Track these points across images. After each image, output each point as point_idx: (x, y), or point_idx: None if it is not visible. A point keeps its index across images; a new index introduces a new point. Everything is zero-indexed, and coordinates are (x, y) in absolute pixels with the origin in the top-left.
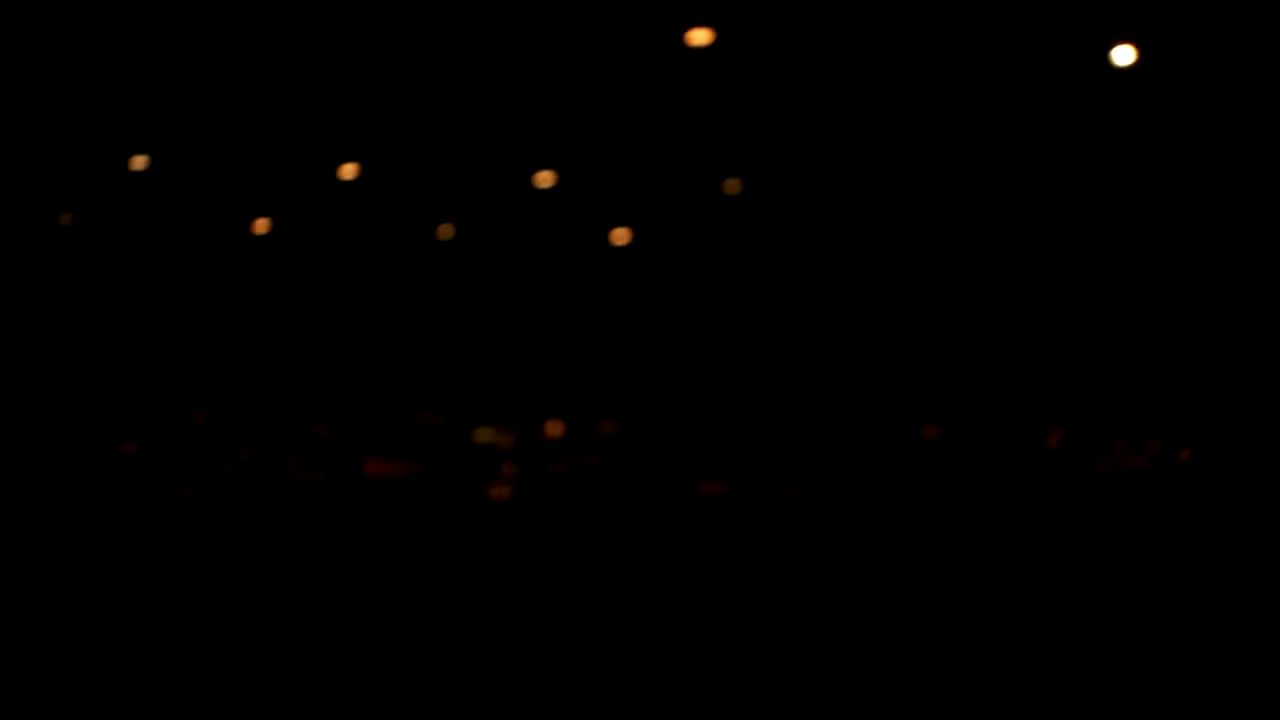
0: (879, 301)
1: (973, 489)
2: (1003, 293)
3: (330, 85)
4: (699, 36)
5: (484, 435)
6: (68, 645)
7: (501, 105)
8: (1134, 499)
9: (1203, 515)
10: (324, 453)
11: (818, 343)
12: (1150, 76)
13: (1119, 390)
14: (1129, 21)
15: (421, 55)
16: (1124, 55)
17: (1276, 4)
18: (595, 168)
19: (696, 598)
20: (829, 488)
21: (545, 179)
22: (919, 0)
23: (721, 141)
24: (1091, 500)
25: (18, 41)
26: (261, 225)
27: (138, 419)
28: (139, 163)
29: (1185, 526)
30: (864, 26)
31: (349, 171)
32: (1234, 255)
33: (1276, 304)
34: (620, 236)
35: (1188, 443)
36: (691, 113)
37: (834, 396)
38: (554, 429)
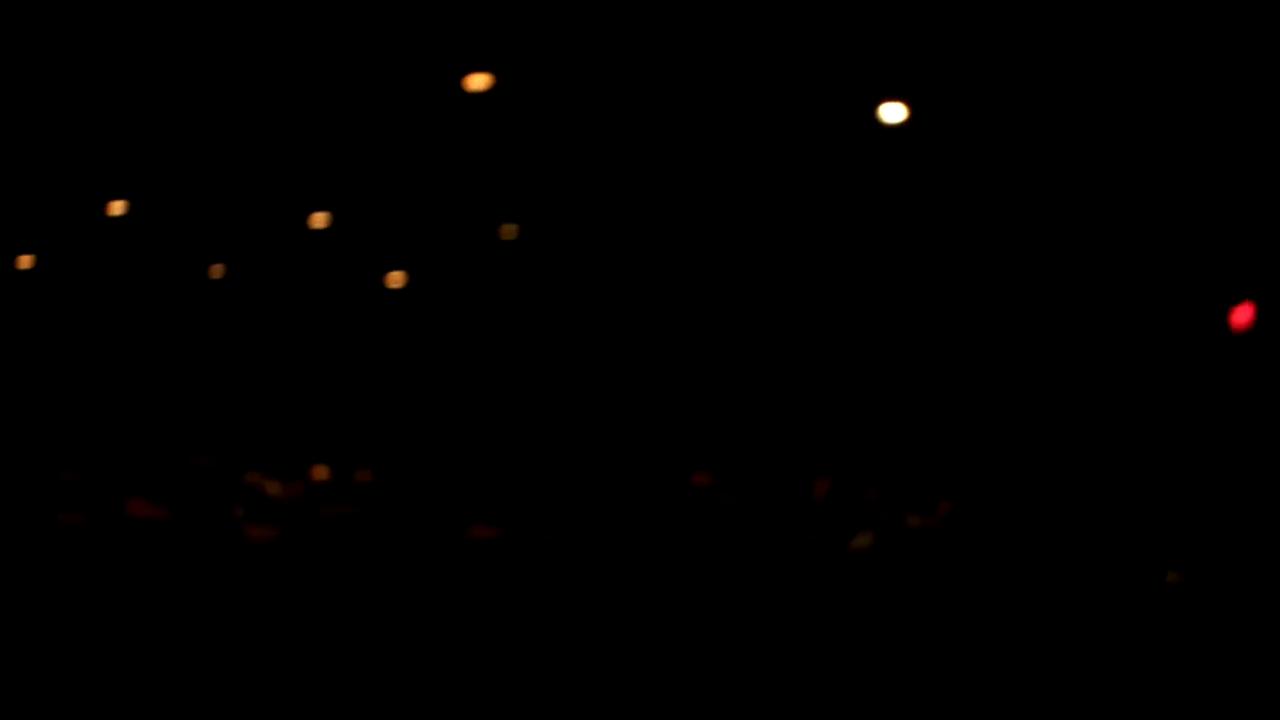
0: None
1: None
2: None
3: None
4: (477, 81)
5: (253, 478)
6: None
7: (281, 148)
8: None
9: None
10: (84, 494)
11: (591, 386)
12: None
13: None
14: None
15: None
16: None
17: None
18: (368, 210)
19: (473, 638)
20: (594, 531)
21: (319, 220)
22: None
23: (499, 185)
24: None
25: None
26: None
27: None
28: None
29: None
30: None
31: (118, 209)
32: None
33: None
34: (394, 279)
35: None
36: (469, 155)
37: (600, 439)
38: (320, 474)
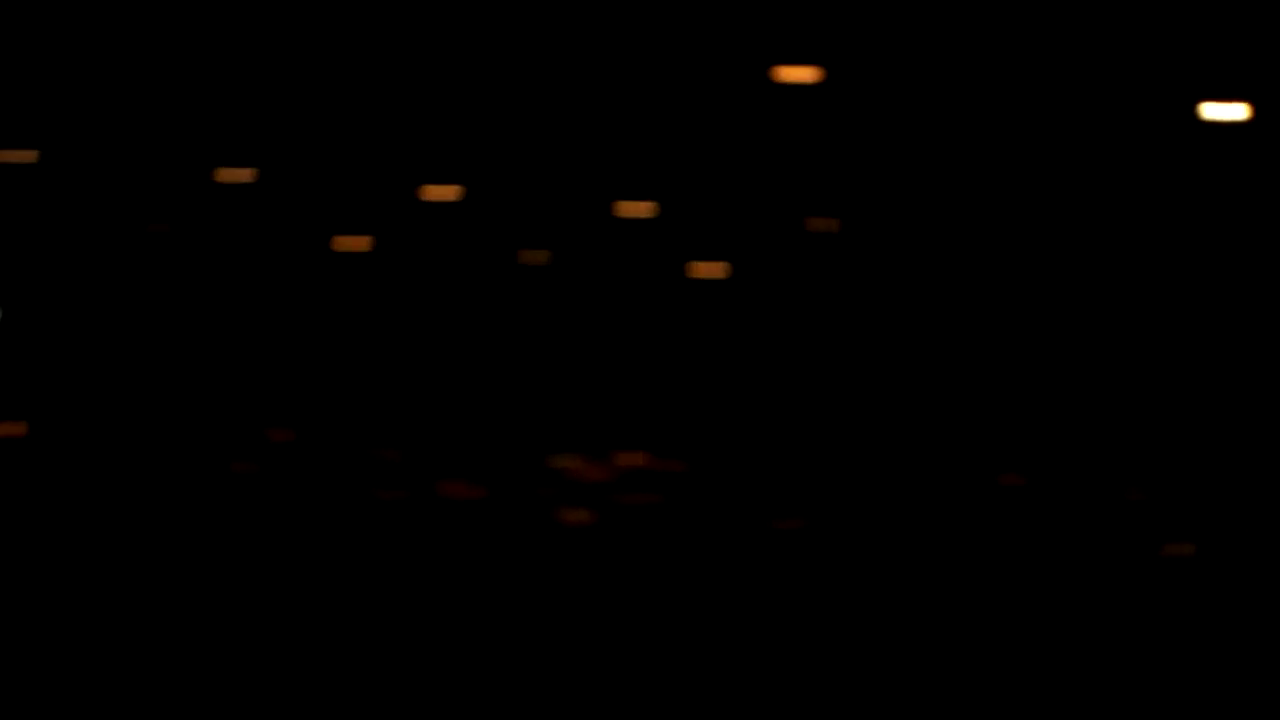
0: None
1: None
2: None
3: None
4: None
5: (564, 461)
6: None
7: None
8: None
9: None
10: (400, 473)
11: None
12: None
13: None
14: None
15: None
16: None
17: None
18: (685, 202)
19: (768, 633)
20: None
21: (641, 209)
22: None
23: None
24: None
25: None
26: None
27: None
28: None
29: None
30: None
31: (445, 194)
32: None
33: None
34: (707, 270)
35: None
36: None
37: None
38: (631, 460)
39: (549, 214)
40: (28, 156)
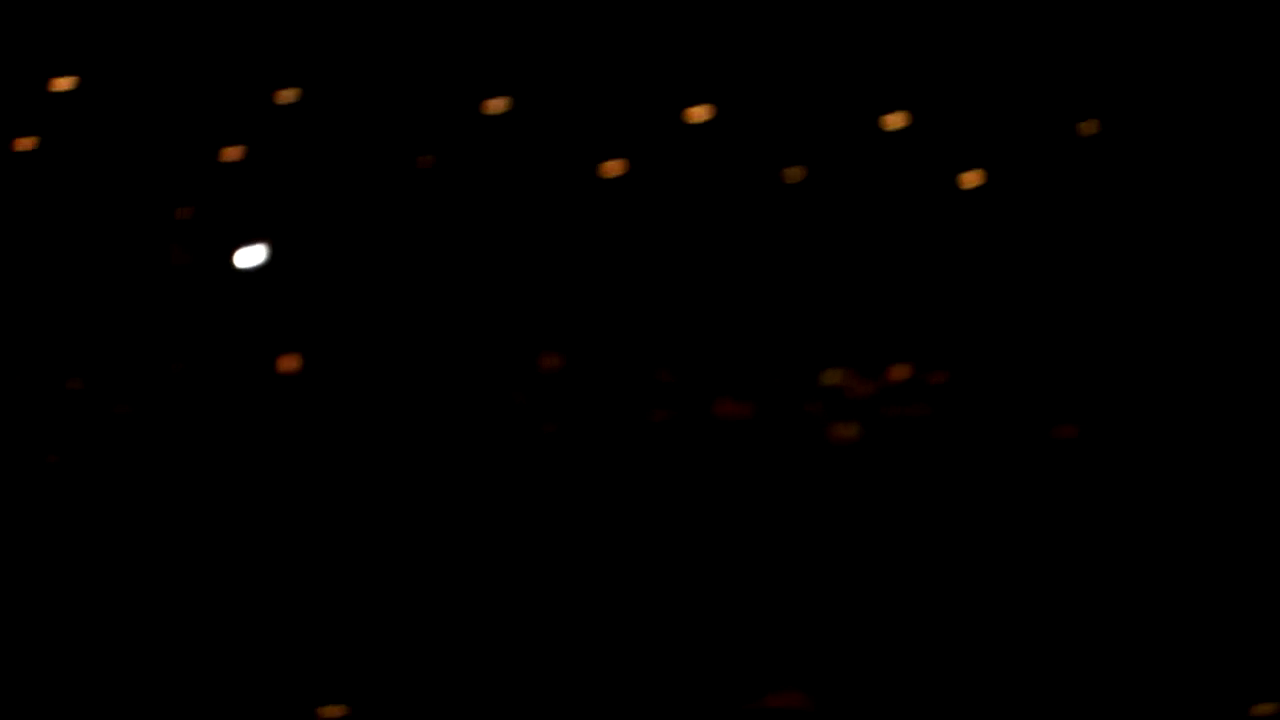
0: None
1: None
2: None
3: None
4: None
5: (832, 377)
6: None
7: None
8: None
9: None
10: (674, 393)
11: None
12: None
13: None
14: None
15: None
16: None
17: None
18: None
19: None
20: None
21: (895, 121)
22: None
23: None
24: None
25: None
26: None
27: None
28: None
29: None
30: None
31: (702, 114)
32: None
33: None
34: (971, 179)
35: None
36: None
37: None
38: (899, 374)
39: (806, 129)
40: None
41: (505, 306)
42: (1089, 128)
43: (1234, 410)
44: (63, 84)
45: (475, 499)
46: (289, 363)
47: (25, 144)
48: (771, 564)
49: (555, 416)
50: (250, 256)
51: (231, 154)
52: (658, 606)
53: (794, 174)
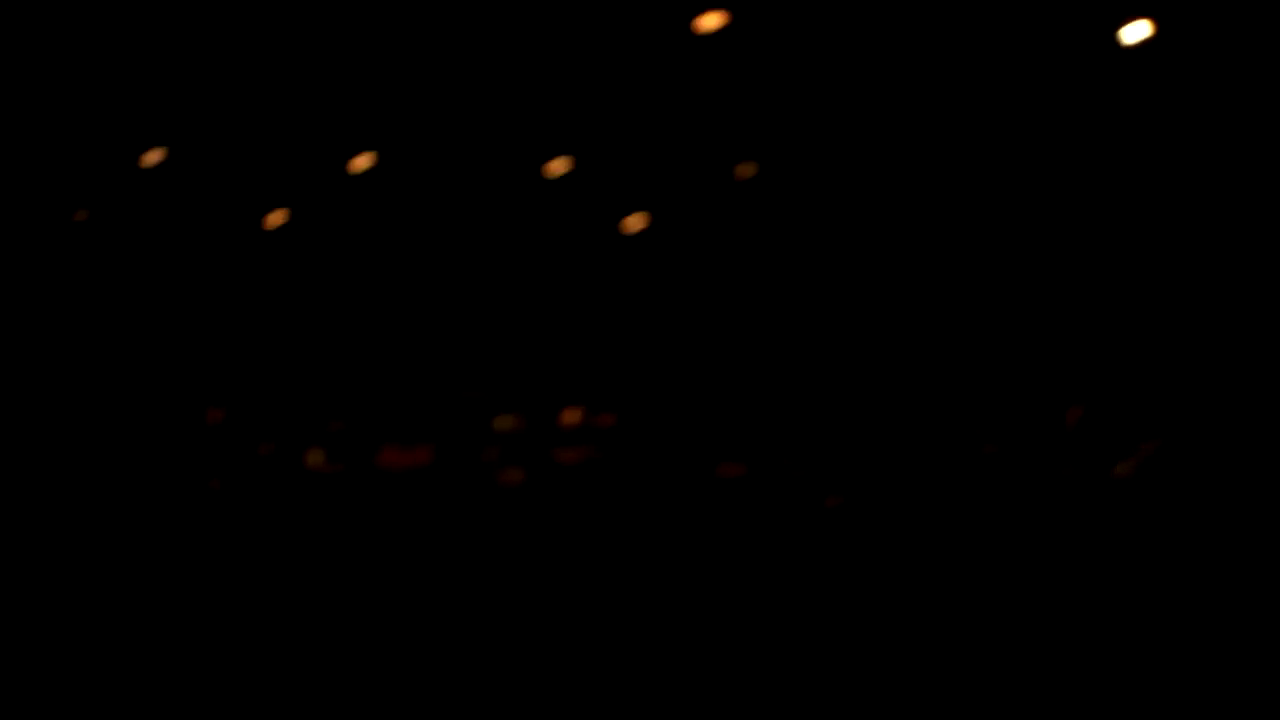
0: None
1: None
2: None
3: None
4: (709, 22)
5: (503, 423)
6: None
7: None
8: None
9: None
10: (341, 446)
11: (832, 329)
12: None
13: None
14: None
15: (427, 51)
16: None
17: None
18: (608, 156)
19: (709, 587)
20: (850, 478)
21: (558, 167)
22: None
23: (733, 128)
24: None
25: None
26: (275, 218)
27: (152, 415)
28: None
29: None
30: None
31: (362, 163)
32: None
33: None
34: (633, 224)
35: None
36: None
37: (849, 383)
38: (570, 417)
39: (463, 174)
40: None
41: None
42: (746, 170)
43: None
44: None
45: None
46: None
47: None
48: (448, 606)
49: (219, 471)
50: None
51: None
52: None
53: (456, 221)
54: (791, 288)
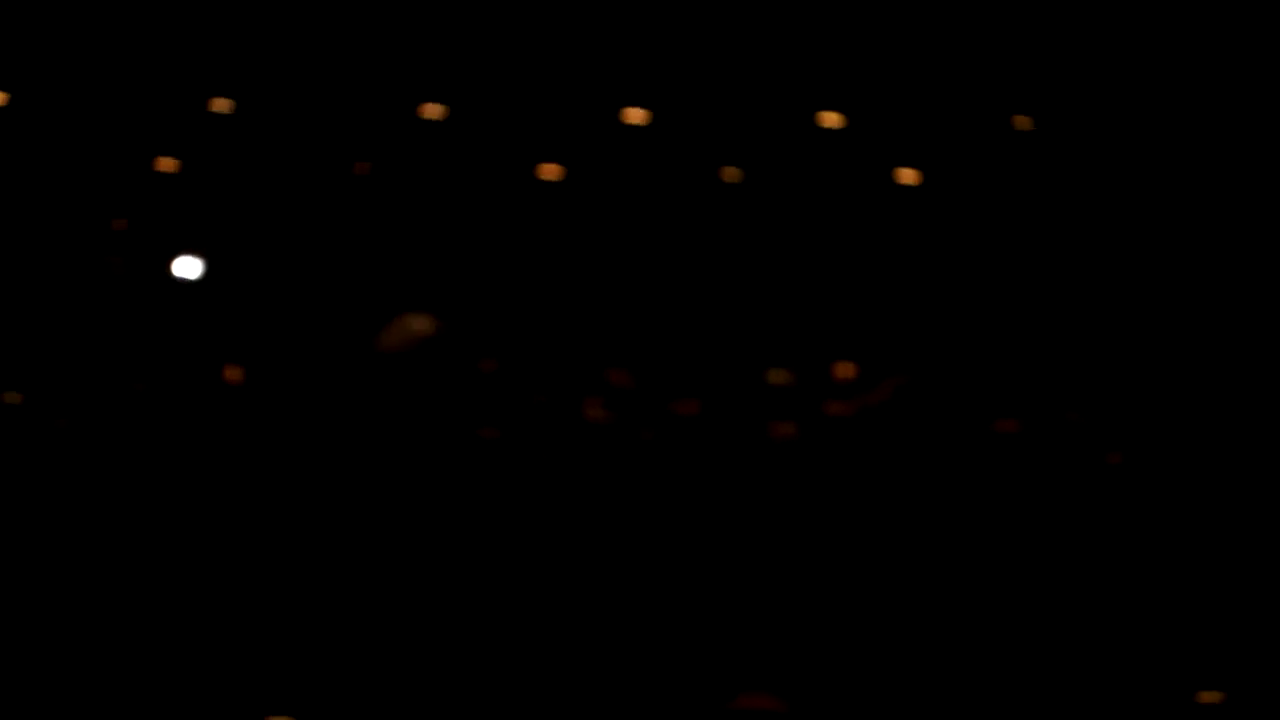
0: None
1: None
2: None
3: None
4: None
5: (776, 376)
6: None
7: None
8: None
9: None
10: (623, 396)
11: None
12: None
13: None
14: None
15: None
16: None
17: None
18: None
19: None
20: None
21: (831, 119)
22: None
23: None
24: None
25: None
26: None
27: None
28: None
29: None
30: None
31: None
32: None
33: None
34: (906, 177)
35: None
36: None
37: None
38: (844, 371)
39: (742, 129)
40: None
41: (449, 312)
42: (1023, 123)
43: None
44: None
45: (425, 510)
46: (234, 373)
47: None
48: (729, 566)
49: (496, 421)
50: (188, 267)
51: (167, 165)
52: (616, 612)
53: (731, 174)
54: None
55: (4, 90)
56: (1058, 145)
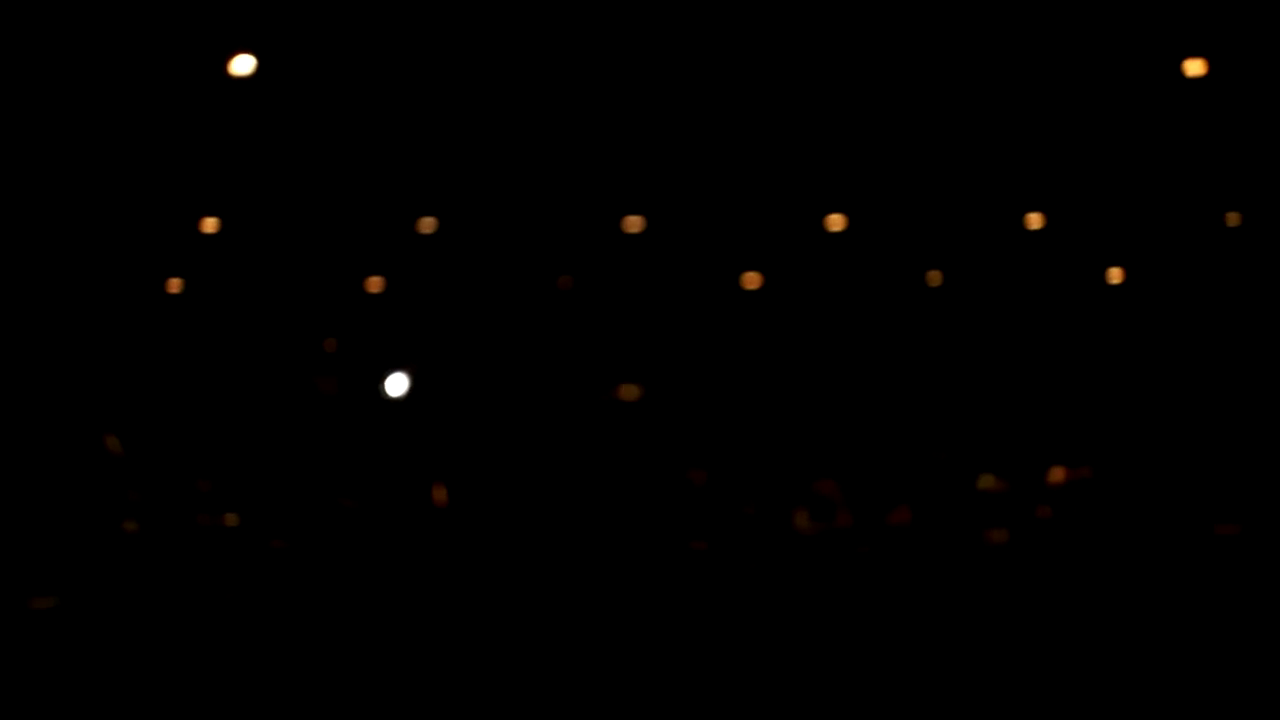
0: None
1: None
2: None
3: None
4: None
5: (986, 482)
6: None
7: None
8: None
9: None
10: (824, 505)
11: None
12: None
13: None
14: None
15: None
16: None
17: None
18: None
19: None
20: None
21: (1034, 220)
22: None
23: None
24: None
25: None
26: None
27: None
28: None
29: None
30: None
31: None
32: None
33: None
34: (1114, 276)
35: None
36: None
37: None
38: (1056, 475)
39: (943, 232)
40: (428, 225)
41: (655, 427)
42: (1233, 219)
43: None
44: (209, 225)
45: (642, 623)
46: (440, 494)
47: (174, 285)
48: (951, 671)
49: (706, 532)
50: (396, 385)
51: (374, 284)
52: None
53: (934, 277)
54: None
55: (215, 216)
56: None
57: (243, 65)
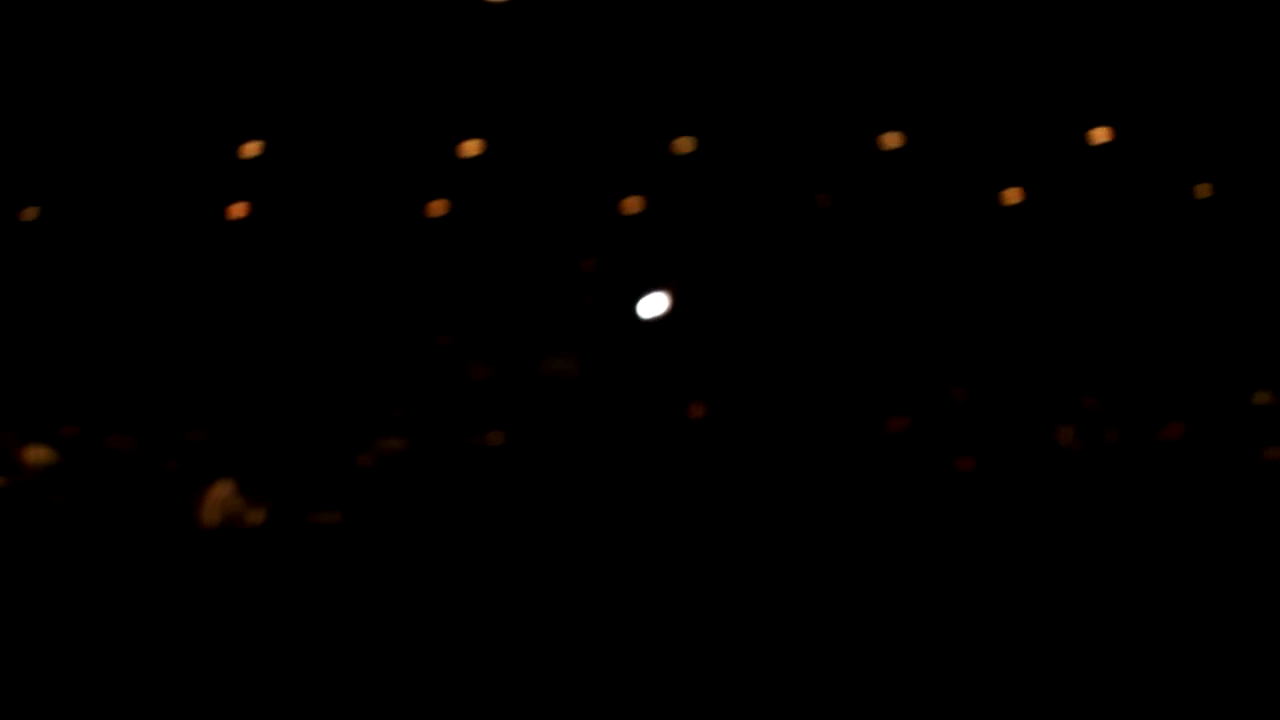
0: None
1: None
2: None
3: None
4: None
5: (1262, 398)
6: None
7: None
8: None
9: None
10: (1092, 423)
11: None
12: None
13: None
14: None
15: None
16: None
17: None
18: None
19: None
20: None
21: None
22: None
23: None
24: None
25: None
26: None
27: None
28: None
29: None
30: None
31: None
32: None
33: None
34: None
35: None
36: None
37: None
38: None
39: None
40: None
41: (912, 336)
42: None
43: None
44: (471, 148)
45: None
46: (698, 410)
47: (437, 208)
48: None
49: (966, 447)
50: (653, 305)
51: (632, 205)
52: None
53: (1203, 190)
54: None
55: (479, 137)
56: None
57: None
